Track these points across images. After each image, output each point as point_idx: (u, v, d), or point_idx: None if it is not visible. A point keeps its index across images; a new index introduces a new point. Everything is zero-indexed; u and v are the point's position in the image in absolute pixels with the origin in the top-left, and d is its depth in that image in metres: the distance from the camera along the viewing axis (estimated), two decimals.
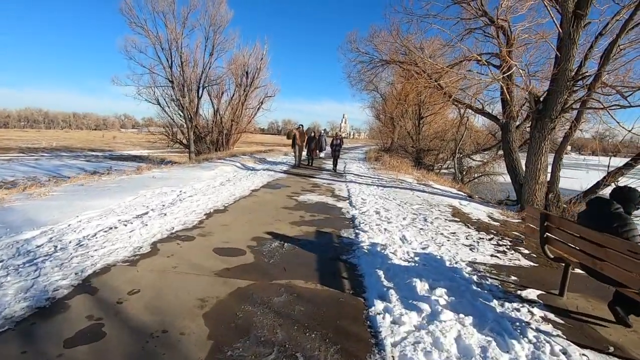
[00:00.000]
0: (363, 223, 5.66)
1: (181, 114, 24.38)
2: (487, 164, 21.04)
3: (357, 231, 5.17)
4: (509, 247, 5.13)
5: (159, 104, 24.39)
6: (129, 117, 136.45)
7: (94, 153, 37.04)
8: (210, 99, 26.48)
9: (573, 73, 7.34)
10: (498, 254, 4.75)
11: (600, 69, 7.53)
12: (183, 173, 9.27)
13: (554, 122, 7.97)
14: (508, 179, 19.93)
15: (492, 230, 5.99)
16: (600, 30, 8.01)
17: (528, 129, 14.61)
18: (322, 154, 17.41)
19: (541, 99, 8.09)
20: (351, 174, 13.43)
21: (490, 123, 21.48)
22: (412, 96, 26.52)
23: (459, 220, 6.54)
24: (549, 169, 9.33)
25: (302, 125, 14.37)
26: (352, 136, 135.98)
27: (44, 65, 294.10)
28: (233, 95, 26.92)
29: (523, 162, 10.11)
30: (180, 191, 6.91)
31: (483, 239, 5.42)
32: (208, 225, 4.82)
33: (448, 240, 5.14)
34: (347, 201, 7.71)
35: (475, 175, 20.15)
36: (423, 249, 4.64)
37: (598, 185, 9.31)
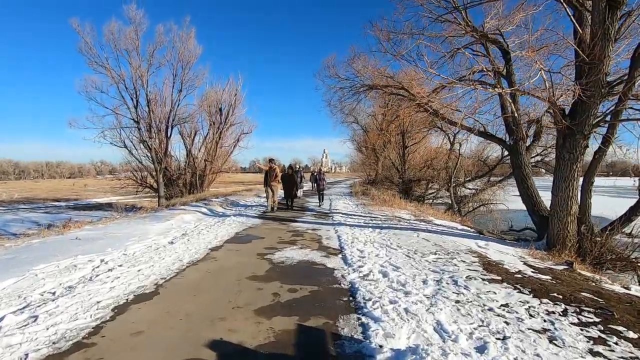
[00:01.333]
0: (369, 299, 3.69)
1: (150, 156, 22.38)
2: (481, 192, 19.67)
3: (363, 320, 3.19)
4: (601, 327, 3.26)
5: (125, 146, 22.37)
6: (106, 164, 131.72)
7: (57, 203, 33.99)
8: (183, 139, 24.74)
9: (608, 77, 5.94)
10: (599, 348, 2.87)
11: (633, 72, 6.18)
12: (125, 228, 7.17)
13: (587, 139, 6.47)
14: (510, 206, 18.53)
15: (553, 293, 4.12)
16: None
17: (538, 150, 13.29)
18: (300, 193, 15.44)
19: (566, 112, 6.62)
20: (339, 213, 11.54)
21: (479, 149, 20.40)
22: (395, 125, 25.57)
23: (498, 276, 4.66)
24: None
25: (273, 160, 11.83)
26: (333, 170, 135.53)
27: (18, 117, 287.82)
28: (207, 134, 25.32)
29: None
30: (102, 260, 4.81)
31: (553, 313, 3.54)
32: (106, 336, 2.75)
33: (508, 325, 3.23)
34: (340, 256, 5.76)
35: (473, 205, 18.63)
36: (480, 351, 2.71)
37: (634, 211, 7.78)
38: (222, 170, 26.47)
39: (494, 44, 9.47)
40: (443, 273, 4.74)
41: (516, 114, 8.50)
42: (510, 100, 8.07)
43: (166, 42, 21.21)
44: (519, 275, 4.82)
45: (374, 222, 9.71)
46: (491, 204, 17.83)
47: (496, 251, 6.80)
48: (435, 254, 5.97)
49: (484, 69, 8.11)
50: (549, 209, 7.80)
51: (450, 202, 18.39)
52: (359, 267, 5.00)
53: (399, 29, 10.82)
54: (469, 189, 19.42)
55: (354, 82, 13.49)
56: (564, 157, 6.71)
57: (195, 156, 25.03)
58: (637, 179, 7.76)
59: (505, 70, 9.25)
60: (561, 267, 5.84)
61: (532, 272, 5.19)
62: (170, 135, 22.54)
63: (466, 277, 4.58)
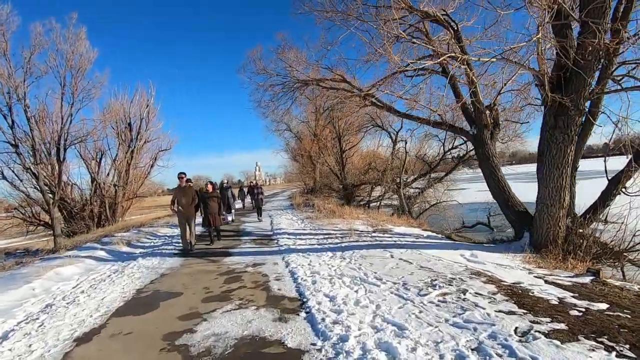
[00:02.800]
0: None
1: (38, 186, 17.77)
2: (426, 190, 19.07)
3: None
4: None
5: (4, 177, 17.45)
6: None
7: None
8: (85, 162, 20.36)
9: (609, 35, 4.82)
10: None
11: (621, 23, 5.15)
12: None
13: (582, 115, 5.34)
14: (458, 200, 18.12)
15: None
16: None
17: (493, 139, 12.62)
18: (230, 217, 12.76)
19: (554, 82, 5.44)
20: (284, 234, 9.41)
21: (417, 146, 19.88)
22: (329, 130, 24.35)
23: (556, 322, 2.98)
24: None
25: (184, 174, 7.79)
26: (268, 183, 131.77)
27: None
28: (116, 155, 21.23)
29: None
30: None
31: None
32: None
33: None
34: (303, 314, 3.67)
35: (421, 205, 17.83)
36: None
37: (607, 196, 6.99)
38: (138, 195, 22.57)
39: (440, 24, 8.35)
40: (475, 330, 2.93)
41: (479, 96, 7.35)
42: (474, 78, 6.86)
43: (47, 45, 17.04)
44: (575, 312, 3.21)
45: (330, 241, 7.81)
46: (443, 202, 17.16)
47: (495, 265, 5.33)
48: (434, 285, 4.21)
49: (447, 44, 6.76)
50: (534, 201, 6.65)
51: (396, 204, 17.43)
52: (341, 338, 2.98)
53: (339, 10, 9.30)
54: (415, 188, 18.68)
55: (285, 79, 11.56)
56: (557, 139, 5.52)
57: (103, 181, 20.84)
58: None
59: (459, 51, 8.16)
60: (588, 279, 4.51)
61: (572, 296, 3.69)
62: (64, 159, 18.20)
63: (516, 332, 2.82)
